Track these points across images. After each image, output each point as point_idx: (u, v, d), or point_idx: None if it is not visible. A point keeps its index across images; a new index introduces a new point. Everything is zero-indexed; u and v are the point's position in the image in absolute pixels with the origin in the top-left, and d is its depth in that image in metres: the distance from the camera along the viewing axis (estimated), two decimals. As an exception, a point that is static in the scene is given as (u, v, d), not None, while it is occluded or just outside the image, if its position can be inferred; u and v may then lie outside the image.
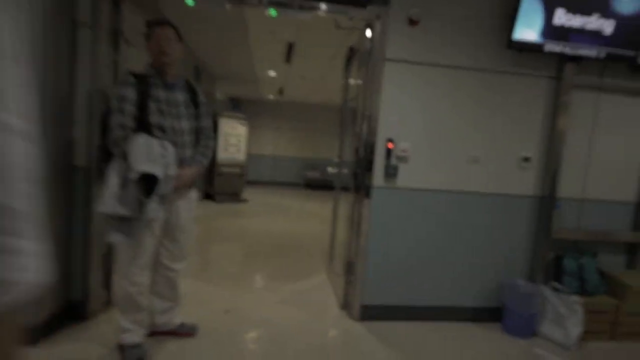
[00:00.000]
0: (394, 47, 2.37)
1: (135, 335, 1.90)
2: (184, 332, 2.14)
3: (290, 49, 5.03)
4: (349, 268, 2.59)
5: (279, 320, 2.45)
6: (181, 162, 1.87)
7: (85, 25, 2.11)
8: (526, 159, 2.55)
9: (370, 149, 2.39)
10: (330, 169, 9.44)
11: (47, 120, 1.93)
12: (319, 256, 3.89)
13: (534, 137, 2.56)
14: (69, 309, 2.18)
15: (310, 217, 6.30)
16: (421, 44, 2.40)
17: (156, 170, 1.67)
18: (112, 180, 1.72)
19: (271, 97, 9.74)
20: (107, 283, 2.33)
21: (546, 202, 2.55)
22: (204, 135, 2.02)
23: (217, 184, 7.16)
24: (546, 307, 2.43)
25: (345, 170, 3.11)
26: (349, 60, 3.11)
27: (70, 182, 2.14)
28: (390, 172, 2.41)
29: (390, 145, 2.40)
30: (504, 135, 2.53)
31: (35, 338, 1.94)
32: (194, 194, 2.06)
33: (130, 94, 1.77)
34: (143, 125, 1.77)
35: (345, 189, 3.00)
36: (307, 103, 10.28)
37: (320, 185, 9.90)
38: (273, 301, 2.75)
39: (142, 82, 1.81)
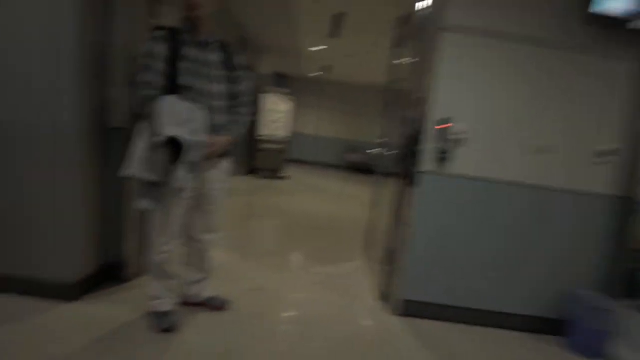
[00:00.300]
0: (454, 14, 2.09)
1: (165, 304, 1.88)
2: (214, 305, 2.09)
3: (337, 21, 4.78)
4: (390, 257, 2.42)
5: (312, 304, 2.35)
6: (213, 129, 1.75)
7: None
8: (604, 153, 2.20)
9: (419, 130, 2.17)
10: (372, 152, 9.18)
11: (84, 80, 1.89)
12: (357, 241, 3.74)
13: (614, 128, 2.20)
14: (107, 271, 2.21)
15: (350, 200, 6.15)
16: (486, 11, 2.10)
17: (183, 135, 1.56)
18: (139, 143, 1.63)
19: (315, 74, 9.53)
20: (143, 248, 2.33)
21: (626, 204, 2.20)
22: (239, 102, 1.88)
23: (258, 160, 7.18)
24: (620, 327, 2.11)
25: (389, 153, 2.90)
26: (400, 32, 2.85)
27: (107, 144, 2.11)
28: (442, 157, 2.18)
29: (443, 127, 2.16)
30: (578, 124, 2.19)
31: (73, 295, 1.98)
32: (226, 164, 1.94)
33: (159, 49, 1.65)
34: (172, 85, 1.66)
35: (388, 173, 2.80)
36: (351, 83, 9.98)
37: (361, 168, 9.68)
38: (307, 283, 2.66)
39: (172, 38, 1.68)
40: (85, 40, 1.86)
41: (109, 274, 2.21)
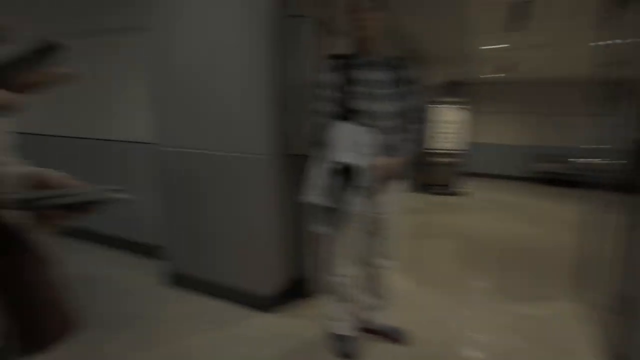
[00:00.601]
0: None
1: (343, 327, 1.89)
2: (391, 335, 1.99)
3: (522, 10, 4.11)
4: (624, 304, 1.80)
5: (503, 350, 1.96)
6: (385, 150, 1.68)
7: (297, 15, 2.16)
8: None
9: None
10: (576, 160, 7.49)
11: (271, 111, 2.10)
12: (560, 274, 3.01)
13: None
14: (297, 286, 2.39)
15: (546, 221, 5.11)
16: None
17: (355, 159, 1.55)
18: (314, 169, 1.71)
19: (494, 76, 8.52)
20: (320, 267, 2.45)
21: None
22: (412, 119, 1.77)
23: (429, 175, 6.84)
24: None
25: (604, 161, 2.22)
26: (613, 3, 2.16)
27: (290, 170, 2.27)
28: None
29: None
30: None
31: (268, 307, 2.23)
32: (400, 186, 1.84)
33: (328, 78, 1.71)
34: (342, 110, 1.68)
35: (605, 186, 2.14)
36: (539, 80, 8.47)
37: (559, 180, 8.02)
38: (494, 322, 2.25)
39: (341, 64, 1.72)
40: (271, 75, 2.09)
41: (293, 290, 2.40)
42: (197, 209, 2.36)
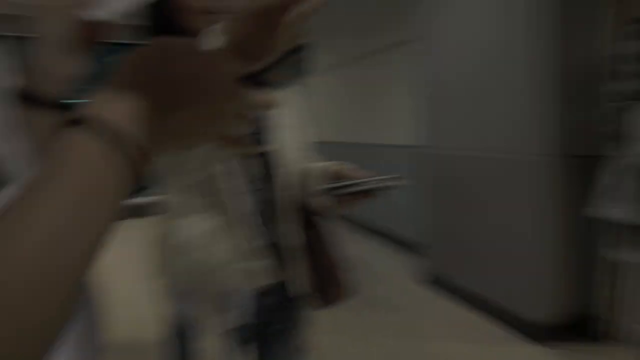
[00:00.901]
0: None
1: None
2: None
3: None
4: None
5: None
6: None
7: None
8: None
9: None
10: None
11: (545, 102, 1.76)
12: None
13: None
14: (580, 323, 1.93)
15: None
16: None
17: None
18: (611, 173, 1.30)
19: None
20: (617, 306, 1.85)
21: None
22: None
23: None
24: None
25: None
26: None
27: (572, 175, 1.82)
28: None
29: None
30: None
31: (539, 338, 1.90)
32: None
33: (630, 49, 1.28)
34: None
35: None
36: None
37: None
38: None
39: None
40: (547, 59, 1.76)
41: (574, 326, 1.94)
42: (461, 212, 2.30)
